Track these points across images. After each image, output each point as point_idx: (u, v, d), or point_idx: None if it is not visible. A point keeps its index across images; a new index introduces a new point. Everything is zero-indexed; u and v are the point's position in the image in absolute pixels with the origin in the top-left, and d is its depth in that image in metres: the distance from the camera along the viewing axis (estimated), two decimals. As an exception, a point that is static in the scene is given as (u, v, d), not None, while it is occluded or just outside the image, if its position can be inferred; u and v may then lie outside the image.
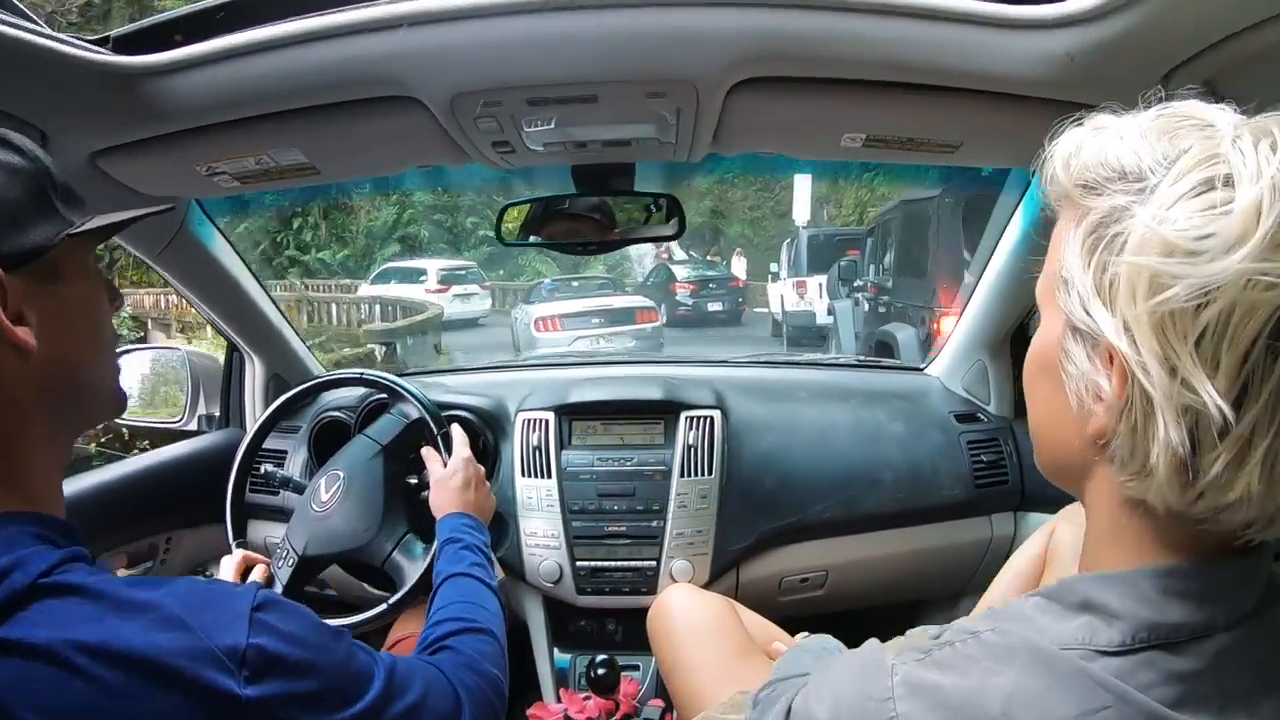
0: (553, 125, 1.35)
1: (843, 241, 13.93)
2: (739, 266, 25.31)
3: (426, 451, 1.75)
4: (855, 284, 10.35)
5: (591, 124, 1.42)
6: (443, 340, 14.36)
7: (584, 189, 1.79)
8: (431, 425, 1.82)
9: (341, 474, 1.76)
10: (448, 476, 1.68)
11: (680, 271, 20.53)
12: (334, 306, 19.05)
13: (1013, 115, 1.25)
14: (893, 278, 9.37)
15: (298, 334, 2.52)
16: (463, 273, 23.80)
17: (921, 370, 2.62)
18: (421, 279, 22.34)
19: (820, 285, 13.04)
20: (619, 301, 13.48)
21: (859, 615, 2.24)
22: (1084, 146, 0.69)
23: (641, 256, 45.00)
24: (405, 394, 1.90)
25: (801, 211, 22.02)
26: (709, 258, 30.49)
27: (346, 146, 1.48)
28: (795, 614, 2.13)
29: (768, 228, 50.52)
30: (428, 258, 30.26)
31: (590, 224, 1.94)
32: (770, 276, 20.33)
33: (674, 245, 31.46)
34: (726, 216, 52.11)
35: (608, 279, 19.38)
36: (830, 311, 11.66)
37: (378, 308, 17.55)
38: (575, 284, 16.53)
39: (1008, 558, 1.50)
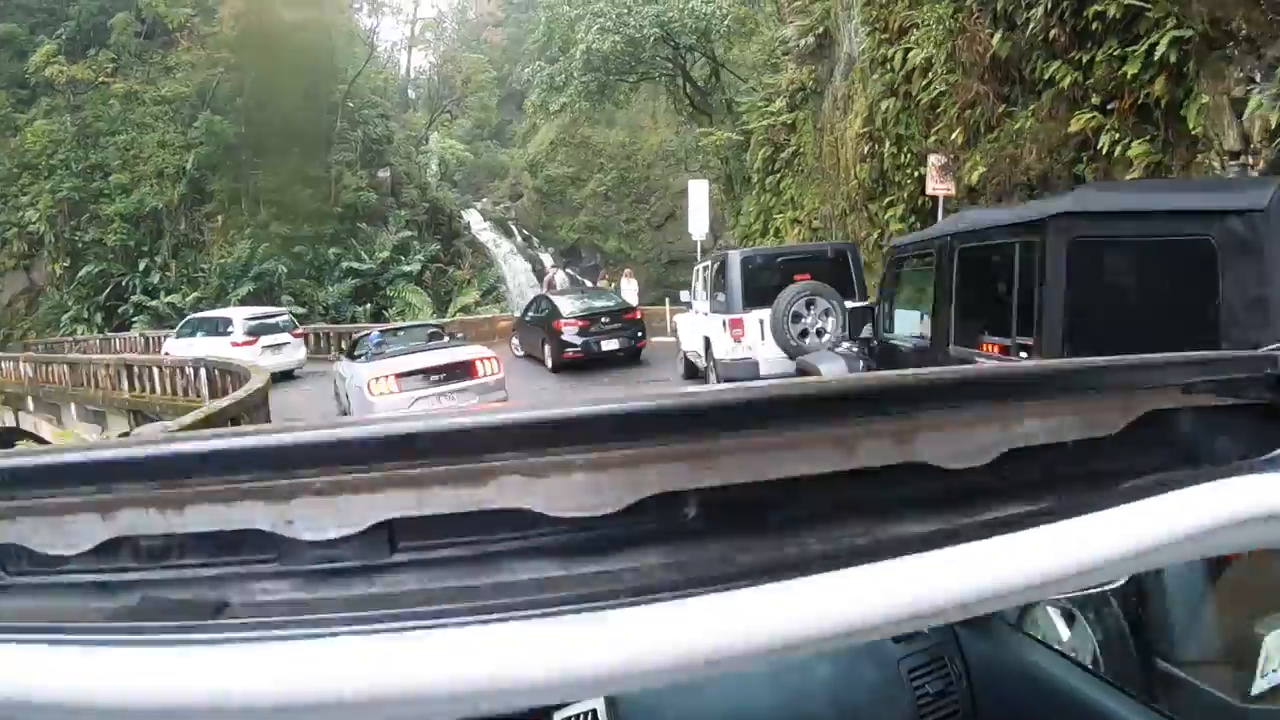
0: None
1: (789, 264, 11.54)
2: (630, 291, 22.84)
3: None
4: (862, 336, 8.15)
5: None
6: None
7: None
8: None
9: None
10: None
11: (565, 305, 17.65)
12: (155, 371, 16.76)
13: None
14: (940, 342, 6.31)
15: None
16: (272, 322, 21.52)
17: None
18: (228, 330, 20.50)
19: (761, 324, 10.86)
20: (457, 354, 12.01)
21: None
22: None
23: (520, 286, 43.47)
24: None
25: (699, 223, 20.39)
26: (600, 282, 27.12)
27: None
28: None
29: (644, 242, 49.89)
30: (236, 305, 28.83)
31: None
32: (673, 302, 18.95)
33: (557, 272, 29.28)
34: (601, 231, 51.07)
35: (435, 327, 16.81)
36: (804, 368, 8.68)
37: (203, 372, 15.34)
38: (401, 334, 14.84)
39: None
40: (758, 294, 10.99)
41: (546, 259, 45.26)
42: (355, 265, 34.83)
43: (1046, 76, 10.10)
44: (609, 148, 49.45)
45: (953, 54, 12.26)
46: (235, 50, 35.28)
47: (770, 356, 10.79)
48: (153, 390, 17.00)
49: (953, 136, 12.40)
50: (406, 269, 35.37)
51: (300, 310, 32.42)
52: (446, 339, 13.98)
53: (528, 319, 19.29)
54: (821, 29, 19.07)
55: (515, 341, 20.04)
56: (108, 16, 36.47)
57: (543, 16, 31.16)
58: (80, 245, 34.99)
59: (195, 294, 33.18)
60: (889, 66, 14.43)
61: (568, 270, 45.88)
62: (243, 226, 35.04)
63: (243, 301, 32.27)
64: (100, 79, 35.42)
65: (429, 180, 46.48)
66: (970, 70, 11.86)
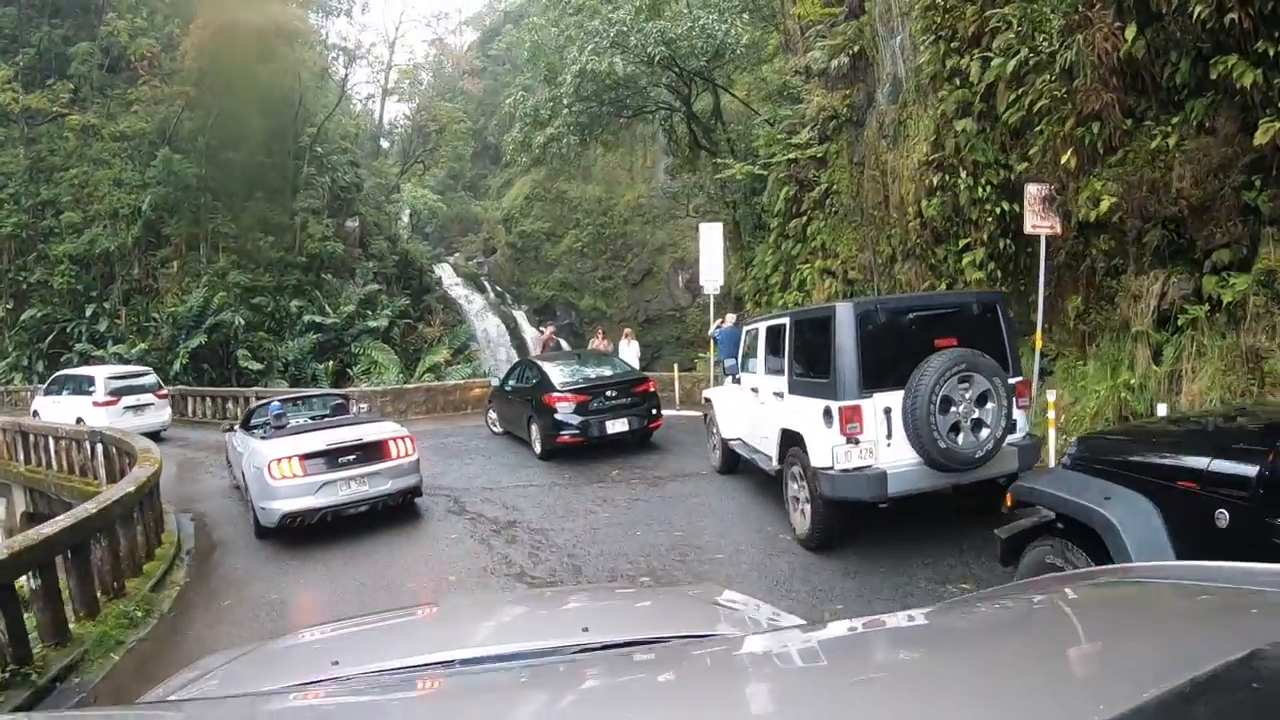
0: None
1: (924, 322, 7.78)
2: (631, 355, 18.88)
3: None
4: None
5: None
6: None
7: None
8: None
9: None
10: None
11: (558, 373, 13.95)
12: (51, 442, 14.36)
13: None
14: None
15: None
16: (137, 382, 20.57)
17: None
18: (91, 389, 19.61)
19: (887, 416, 7.23)
20: (368, 432, 10.34)
21: None
22: None
23: (492, 345, 40.97)
24: None
25: (713, 273, 17.74)
26: (595, 342, 21.81)
27: None
28: None
29: (620, 300, 47.83)
30: (102, 364, 26.56)
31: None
32: (721, 371, 15.49)
33: (552, 330, 24.85)
34: (576, 289, 48.94)
35: (340, 397, 14.65)
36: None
37: (100, 448, 13.11)
38: (302, 404, 13.29)
39: None
40: (880, 368, 7.32)
41: (520, 315, 42.86)
42: (318, 319, 32.11)
43: (1214, 77, 8.04)
44: (585, 202, 47.94)
45: (1058, 57, 10.00)
46: (198, 85, 32.89)
47: (901, 465, 7.20)
48: (48, 465, 14.78)
49: (1063, 161, 10.02)
50: (373, 324, 32.77)
51: (257, 366, 29.78)
52: (355, 409, 12.96)
53: (508, 389, 15.58)
54: (856, 49, 16.68)
55: (492, 416, 16.67)
56: (71, 45, 34.38)
57: (527, 39, 27.50)
58: (25, 287, 32.26)
59: (144, 345, 30.15)
60: (960, 81, 12.12)
61: (542, 329, 43.50)
62: (199, 274, 32.29)
63: (194, 355, 29.69)
64: (56, 109, 33.05)
65: (399, 231, 44.33)
66: (1093, 75, 9.55)
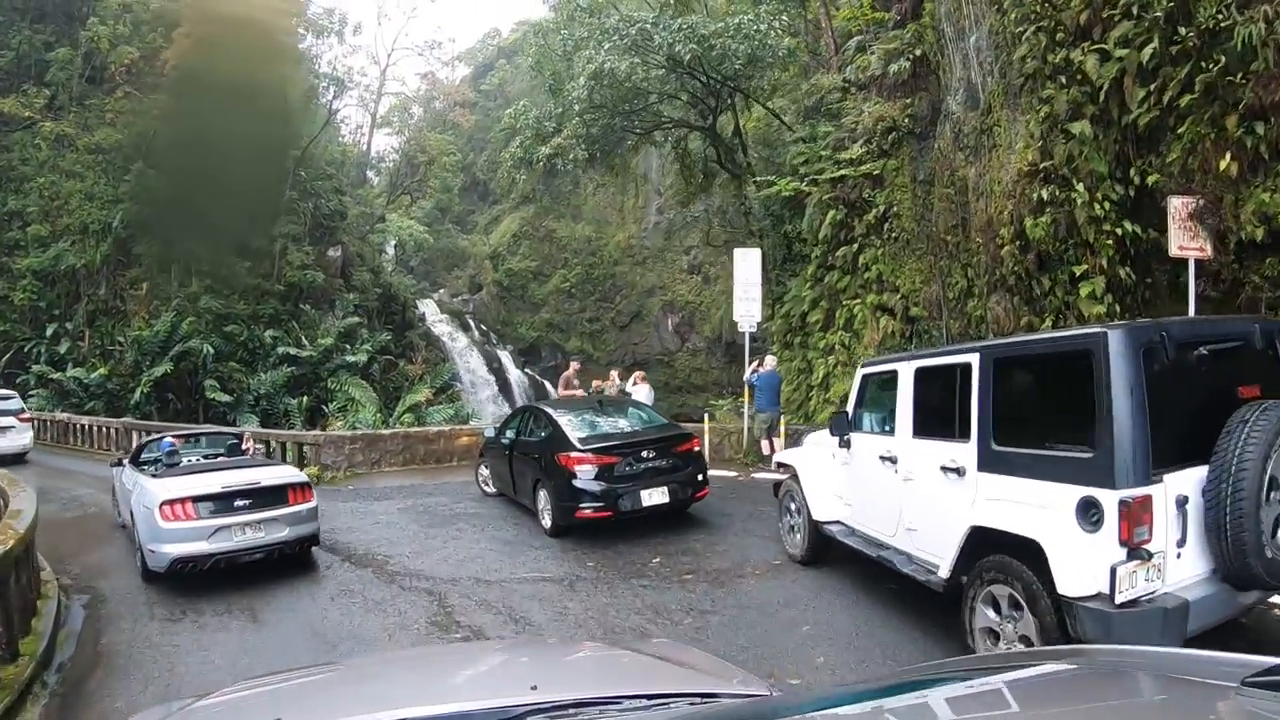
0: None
1: (1218, 361, 5.02)
2: (646, 395, 15.59)
3: None
4: None
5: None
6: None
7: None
8: None
9: None
10: None
11: (575, 425, 10.85)
12: None
13: None
14: None
15: None
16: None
17: None
18: None
19: (1181, 509, 4.71)
20: (265, 476, 9.61)
21: None
22: None
23: (476, 385, 38.73)
24: None
25: (749, 306, 15.38)
26: (607, 385, 17.22)
27: None
28: None
29: (608, 342, 45.95)
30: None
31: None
32: (758, 425, 13.66)
33: (575, 366, 19.37)
34: (563, 330, 47.03)
35: (234, 436, 13.50)
36: None
37: None
38: (195, 442, 12.47)
39: None
40: (1171, 432, 4.71)
41: (506, 355, 40.61)
42: (294, 351, 29.78)
43: None
44: (574, 242, 46.58)
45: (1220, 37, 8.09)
46: (179, 98, 30.61)
47: (1191, 584, 4.73)
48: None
49: (1222, 167, 8.12)
50: (352, 359, 30.39)
51: (226, 398, 27.35)
52: (249, 450, 12.50)
53: (506, 442, 12.38)
54: (917, 52, 14.76)
55: (485, 473, 13.74)
56: (51, 51, 32.46)
57: (531, 42, 24.66)
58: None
59: (104, 370, 27.63)
60: (1067, 79, 10.16)
61: (527, 370, 41.43)
62: (169, 297, 29.82)
63: (158, 384, 27.09)
64: (29, 114, 30.98)
65: (384, 263, 42.27)
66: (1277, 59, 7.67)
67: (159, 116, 31.32)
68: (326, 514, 11.65)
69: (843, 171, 15.85)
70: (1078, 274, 10.26)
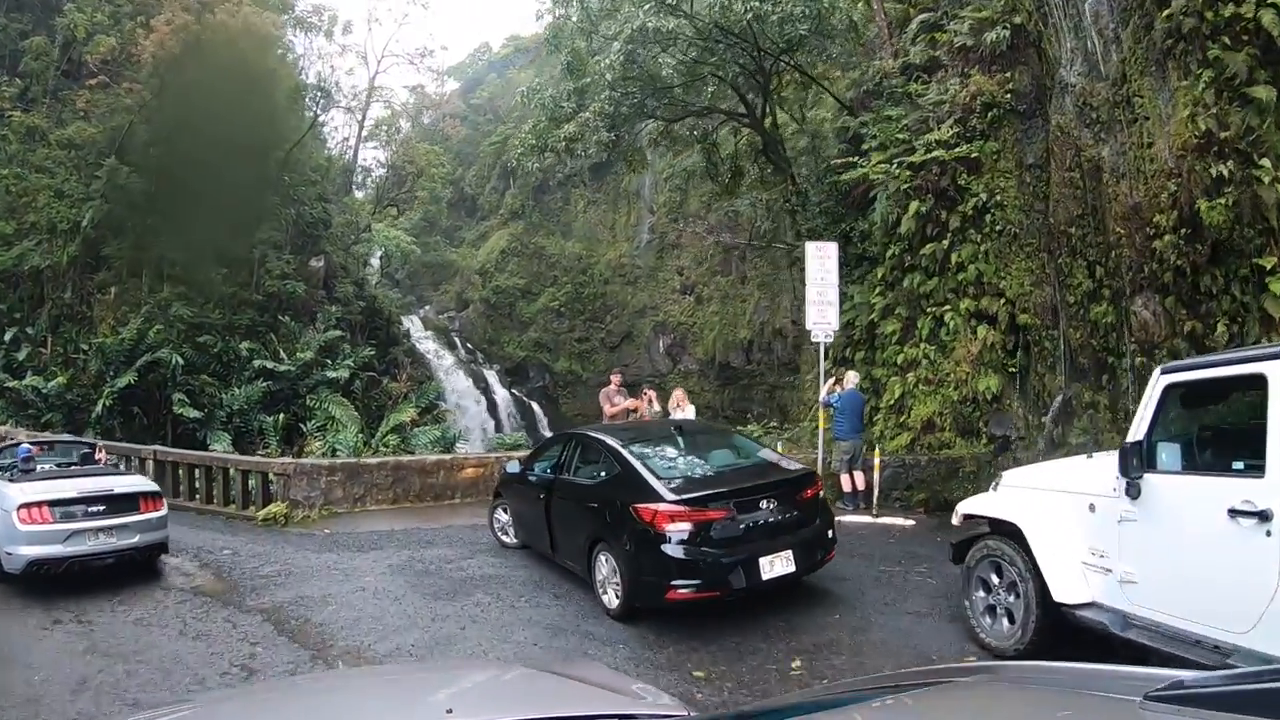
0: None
1: None
2: (690, 418, 13.20)
3: None
4: None
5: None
6: None
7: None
8: None
9: None
10: None
11: (650, 464, 7.87)
12: None
13: None
14: None
15: None
16: None
17: None
18: None
19: None
20: (119, 484, 10.11)
21: None
22: None
23: (464, 406, 36.52)
24: None
25: (824, 310, 13.36)
26: (643, 404, 14.11)
27: None
28: None
29: (597, 363, 43.91)
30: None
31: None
32: (836, 455, 11.86)
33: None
34: (551, 350, 45.02)
35: (88, 445, 13.32)
36: None
37: None
38: (47, 448, 12.61)
39: None
40: None
41: (492, 375, 38.52)
42: (271, 365, 27.46)
43: None
44: (564, 259, 44.83)
45: None
46: (158, 93, 28.38)
47: None
48: None
49: None
50: (333, 375, 28.10)
51: (195, 414, 25.00)
52: (103, 460, 12.41)
53: (536, 479, 9.62)
54: (1016, 20, 12.88)
55: (503, 518, 10.85)
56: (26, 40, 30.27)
57: (548, 18, 21.83)
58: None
59: (63, 379, 25.10)
60: (1233, 38, 8.46)
61: (514, 390, 39.26)
62: (139, 304, 27.38)
63: (123, 396, 24.56)
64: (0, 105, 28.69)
65: (368, 275, 40.09)
66: None
67: (135, 109, 29.15)
68: (293, 574, 9.99)
69: (935, 153, 13.56)
70: (1267, 268, 8.30)
